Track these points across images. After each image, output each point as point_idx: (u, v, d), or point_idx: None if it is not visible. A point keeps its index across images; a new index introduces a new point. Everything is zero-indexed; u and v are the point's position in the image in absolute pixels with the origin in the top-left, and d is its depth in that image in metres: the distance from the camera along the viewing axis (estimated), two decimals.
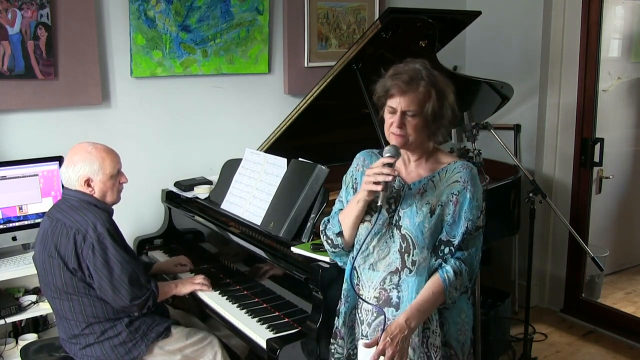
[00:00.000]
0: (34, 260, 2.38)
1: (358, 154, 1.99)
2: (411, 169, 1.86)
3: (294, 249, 2.20)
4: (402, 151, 1.83)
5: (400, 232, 1.78)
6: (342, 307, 1.92)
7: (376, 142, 2.68)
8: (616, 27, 4.09)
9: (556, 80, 3.82)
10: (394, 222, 1.80)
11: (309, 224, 2.31)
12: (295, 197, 2.37)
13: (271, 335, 2.10)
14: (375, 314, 1.83)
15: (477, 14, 2.97)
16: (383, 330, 1.70)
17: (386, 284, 1.80)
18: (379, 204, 1.72)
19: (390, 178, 1.70)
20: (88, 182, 2.29)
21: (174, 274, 2.74)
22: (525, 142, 4.10)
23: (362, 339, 1.86)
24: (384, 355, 1.66)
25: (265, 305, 2.34)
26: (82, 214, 2.24)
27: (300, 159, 2.52)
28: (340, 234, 1.88)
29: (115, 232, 2.27)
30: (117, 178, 2.35)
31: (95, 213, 2.25)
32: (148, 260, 3.01)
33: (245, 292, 2.47)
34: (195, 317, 2.66)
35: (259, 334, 2.14)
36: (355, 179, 1.93)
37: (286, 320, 2.22)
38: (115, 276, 2.20)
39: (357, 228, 1.85)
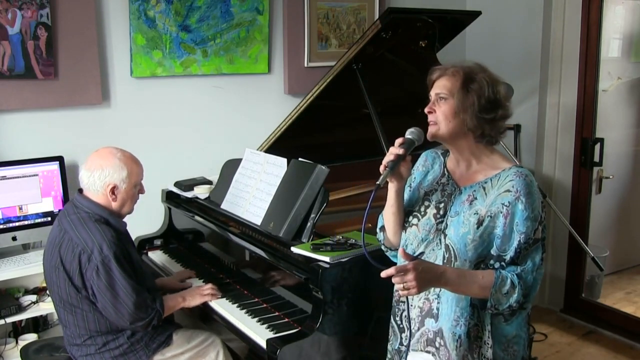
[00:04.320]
0: (43, 264, 2.33)
1: (423, 153, 1.91)
2: (463, 171, 1.78)
3: (294, 249, 2.20)
4: (454, 152, 1.78)
5: (445, 241, 1.71)
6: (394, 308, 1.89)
7: (376, 142, 2.69)
8: (616, 27, 4.09)
9: (556, 80, 3.82)
10: (442, 228, 1.73)
11: (309, 224, 2.31)
12: (295, 197, 2.37)
13: (271, 335, 2.10)
14: (417, 325, 1.78)
15: (477, 14, 2.97)
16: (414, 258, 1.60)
17: (430, 294, 1.74)
18: (377, 182, 1.66)
19: (392, 157, 1.67)
20: (113, 190, 2.23)
21: (179, 289, 2.60)
22: (525, 142, 4.09)
23: (400, 347, 1.84)
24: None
25: (265, 305, 2.34)
26: (89, 232, 2.16)
27: (300, 159, 2.52)
28: (382, 228, 1.88)
29: (122, 253, 2.18)
30: (137, 188, 2.32)
31: (103, 232, 2.17)
32: (148, 261, 3.01)
33: (245, 292, 2.47)
34: (195, 317, 2.66)
35: (259, 334, 2.13)
36: (415, 177, 1.88)
37: (286, 320, 2.22)
38: (119, 300, 2.15)
39: (397, 224, 1.82)
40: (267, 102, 3.64)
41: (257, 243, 2.43)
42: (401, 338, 1.84)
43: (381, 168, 1.69)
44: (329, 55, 3.71)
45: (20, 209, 2.88)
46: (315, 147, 3.04)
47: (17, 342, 2.82)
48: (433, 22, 2.74)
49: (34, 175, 2.89)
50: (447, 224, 1.72)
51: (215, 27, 3.38)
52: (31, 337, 2.81)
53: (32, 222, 2.91)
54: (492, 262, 1.66)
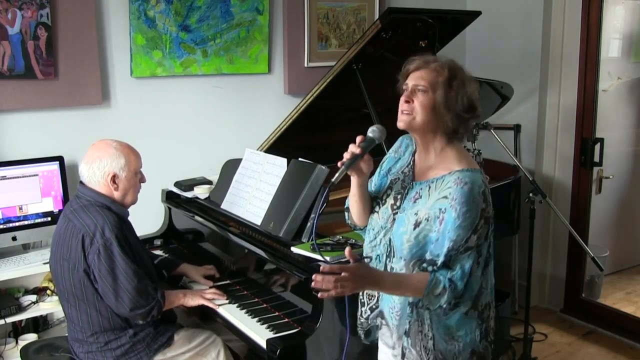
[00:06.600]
0: (50, 259, 2.34)
1: (400, 137, 1.91)
2: (422, 164, 1.78)
3: (294, 249, 2.20)
4: (419, 142, 1.77)
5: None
6: None
7: None
8: (616, 27, 4.09)
9: (556, 80, 3.82)
10: (396, 219, 1.76)
11: (309, 224, 2.31)
12: (295, 197, 2.37)
13: (271, 335, 2.10)
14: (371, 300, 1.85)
15: (477, 14, 2.97)
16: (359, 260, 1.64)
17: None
18: (332, 179, 1.69)
19: (347, 156, 1.70)
20: (114, 179, 2.23)
21: (196, 282, 2.59)
22: (525, 142, 4.09)
23: (360, 319, 1.90)
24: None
25: (265, 305, 2.34)
26: (91, 216, 2.17)
27: (300, 159, 2.52)
28: (347, 209, 1.92)
29: (124, 238, 2.19)
30: (138, 176, 2.32)
31: (105, 216, 2.17)
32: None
33: (245, 292, 2.47)
34: (196, 317, 2.66)
35: (259, 334, 2.13)
36: (387, 163, 1.92)
37: (286, 320, 2.22)
38: (119, 284, 2.14)
39: (360, 211, 1.85)
40: (267, 102, 3.64)
41: (257, 243, 2.43)
42: (362, 311, 1.89)
43: (339, 164, 1.71)
44: (329, 55, 3.71)
45: (20, 209, 2.88)
46: (315, 147, 3.04)
47: (17, 342, 2.82)
48: (433, 22, 2.74)
49: (34, 175, 2.89)
50: (395, 218, 1.75)
51: (215, 27, 3.38)
52: (31, 337, 2.81)
53: (32, 222, 2.91)
54: (425, 265, 1.67)
